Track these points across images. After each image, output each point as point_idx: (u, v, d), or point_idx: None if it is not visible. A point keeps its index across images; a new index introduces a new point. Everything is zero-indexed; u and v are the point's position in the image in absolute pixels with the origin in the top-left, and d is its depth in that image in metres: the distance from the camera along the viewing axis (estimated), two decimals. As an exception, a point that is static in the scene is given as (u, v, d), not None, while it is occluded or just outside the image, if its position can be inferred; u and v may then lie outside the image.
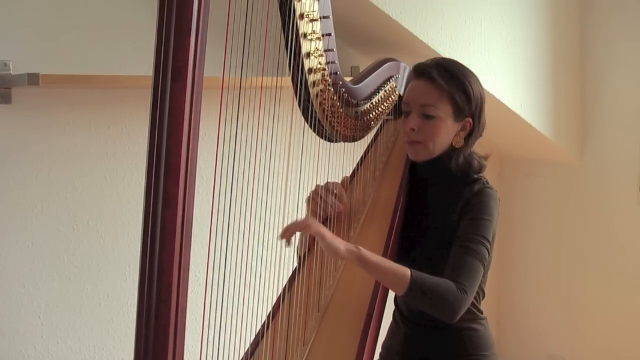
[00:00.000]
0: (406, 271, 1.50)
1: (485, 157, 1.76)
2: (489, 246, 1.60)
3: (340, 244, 1.48)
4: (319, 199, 1.71)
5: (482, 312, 1.76)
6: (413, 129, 1.69)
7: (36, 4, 2.37)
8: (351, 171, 1.93)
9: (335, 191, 1.74)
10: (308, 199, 1.75)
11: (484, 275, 1.70)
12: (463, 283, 1.52)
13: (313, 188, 1.75)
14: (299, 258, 1.77)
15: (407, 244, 1.72)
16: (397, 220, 1.72)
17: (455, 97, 1.66)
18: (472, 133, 1.71)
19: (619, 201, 2.86)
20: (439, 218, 1.69)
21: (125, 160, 2.54)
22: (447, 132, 1.69)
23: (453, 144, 1.70)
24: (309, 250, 1.72)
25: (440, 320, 1.71)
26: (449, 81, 1.66)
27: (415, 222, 1.75)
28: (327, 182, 1.75)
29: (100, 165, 2.52)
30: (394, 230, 1.70)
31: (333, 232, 1.72)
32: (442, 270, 1.57)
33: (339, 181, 1.81)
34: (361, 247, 1.49)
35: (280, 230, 1.53)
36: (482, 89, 1.72)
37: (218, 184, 1.24)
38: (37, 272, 2.44)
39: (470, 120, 1.70)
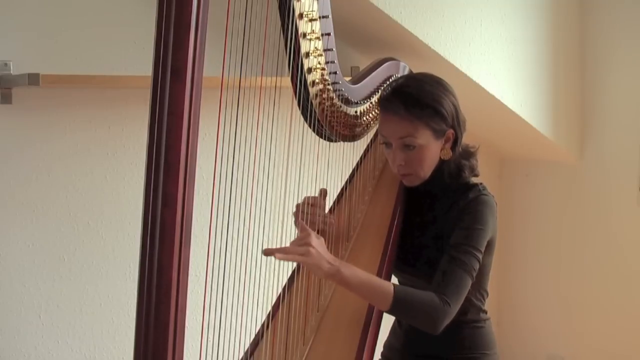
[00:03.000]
0: (389, 288, 1.49)
1: (474, 151, 1.75)
2: (479, 256, 1.60)
3: (323, 265, 1.43)
4: (304, 215, 1.70)
5: (486, 313, 1.76)
6: (401, 164, 1.68)
7: (36, 4, 2.37)
8: (351, 170, 1.94)
9: (317, 204, 1.72)
10: (294, 214, 1.74)
11: (485, 276, 1.71)
12: (447, 296, 1.52)
13: (313, 184, 1.76)
14: None
15: (405, 253, 1.73)
16: (394, 228, 1.72)
17: (431, 124, 1.64)
18: (456, 140, 1.71)
19: (619, 201, 2.86)
20: (437, 227, 1.69)
21: (125, 160, 2.54)
22: (432, 154, 1.68)
23: (442, 157, 1.69)
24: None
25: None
26: (418, 113, 1.63)
27: (413, 232, 1.75)
28: (307, 197, 1.72)
29: (100, 165, 2.52)
30: (392, 238, 1.70)
31: (333, 233, 1.73)
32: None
33: (327, 186, 1.80)
34: (343, 269, 1.45)
35: (280, 230, 1.53)
36: (452, 93, 1.69)
37: (217, 183, 1.24)
38: (37, 272, 2.45)
39: (452, 131, 1.68)
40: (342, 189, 1.89)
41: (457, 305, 1.55)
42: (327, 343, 1.53)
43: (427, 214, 1.74)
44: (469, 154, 1.74)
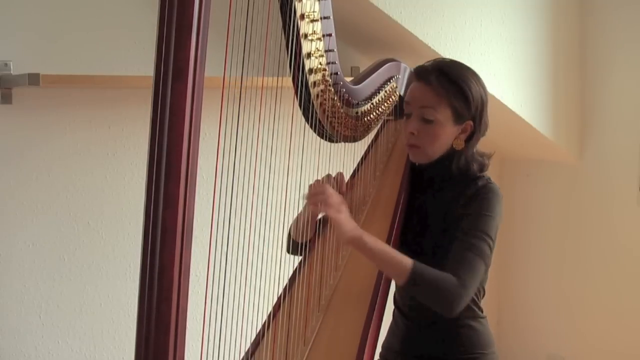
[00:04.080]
0: (407, 262, 1.51)
1: (488, 156, 1.76)
2: (490, 242, 1.60)
3: (348, 227, 1.51)
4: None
5: (482, 311, 1.76)
6: (413, 133, 1.69)
7: (37, 4, 2.37)
8: (352, 171, 1.94)
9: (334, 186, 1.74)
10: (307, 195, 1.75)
11: (485, 273, 1.71)
12: (463, 278, 1.53)
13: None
14: (295, 242, 1.77)
15: (409, 243, 1.73)
16: (397, 219, 1.72)
17: (454, 102, 1.65)
18: (472, 135, 1.71)
19: (619, 201, 2.86)
20: (442, 216, 1.69)
21: (125, 160, 2.54)
22: (446, 136, 1.68)
23: (454, 146, 1.70)
24: (310, 250, 1.72)
25: (440, 318, 1.71)
26: (447, 87, 1.65)
27: (417, 221, 1.75)
28: (328, 175, 1.74)
29: (100, 165, 2.52)
30: (394, 230, 1.70)
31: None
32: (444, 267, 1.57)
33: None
34: (365, 236, 1.51)
35: (280, 230, 1.53)
36: (484, 90, 1.71)
37: (219, 184, 1.24)
38: (37, 272, 2.45)
39: (471, 123, 1.69)
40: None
41: (473, 288, 1.55)
42: (327, 343, 1.53)
43: (431, 203, 1.74)
44: (482, 154, 1.75)
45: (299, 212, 1.78)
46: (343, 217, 1.52)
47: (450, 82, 1.65)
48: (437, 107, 1.65)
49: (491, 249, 1.61)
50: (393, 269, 1.54)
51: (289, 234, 1.81)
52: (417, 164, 1.76)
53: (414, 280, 1.50)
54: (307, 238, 1.74)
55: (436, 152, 1.70)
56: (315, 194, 1.55)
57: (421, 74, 1.70)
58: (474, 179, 1.70)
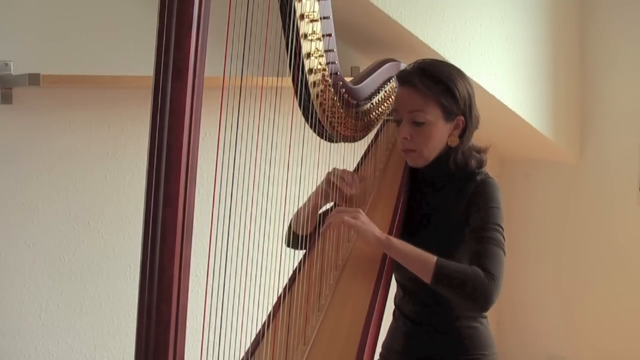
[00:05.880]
0: (432, 259, 1.52)
1: (484, 151, 1.76)
2: (502, 232, 1.61)
3: (372, 232, 1.55)
4: (330, 185, 1.73)
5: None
6: (406, 138, 1.69)
7: (37, 4, 2.37)
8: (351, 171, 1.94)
9: (346, 179, 1.75)
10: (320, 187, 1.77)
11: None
12: (490, 270, 1.52)
13: (314, 184, 1.76)
14: (295, 235, 1.78)
15: (409, 242, 1.73)
16: (397, 219, 1.72)
17: (442, 100, 1.66)
18: (465, 130, 1.71)
19: (619, 201, 2.86)
20: (443, 216, 1.70)
21: (125, 160, 2.54)
22: (439, 135, 1.69)
23: (449, 143, 1.70)
24: (310, 248, 1.72)
25: (440, 319, 1.72)
26: (432, 87, 1.65)
27: (417, 221, 1.75)
28: (337, 169, 1.75)
29: (100, 165, 2.52)
30: (394, 230, 1.70)
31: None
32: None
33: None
34: (390, 237, 1.57)
35: (280, 230, 1.53)
36: (469, 84, 1.71)
37: (219, 183, 1.24)
38: (38, 272, 2.45)
39: (462, 118, 1.70)
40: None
41: (502, 278, 1.54)
42: (327, 342, 1.53)
43: (431, 203, 1.74)
44: (479, 149, 1.76)
45: (300, 206, 1.79)
46: (364, 222, 1.56)
47: (434, 81, 1.66)
48: (425, 108, 1.66)
49: (504, 238, 1.61)
50: (418, 267, 1.55)
51: (290, 227, 1.81)
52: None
53: (438, 277, 1.51)
54: (308, 231, 1.74)
55: (432, 152, 1.70)
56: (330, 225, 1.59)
57: (404, 79, 1.70)
58: (472, 176, 1.71)
